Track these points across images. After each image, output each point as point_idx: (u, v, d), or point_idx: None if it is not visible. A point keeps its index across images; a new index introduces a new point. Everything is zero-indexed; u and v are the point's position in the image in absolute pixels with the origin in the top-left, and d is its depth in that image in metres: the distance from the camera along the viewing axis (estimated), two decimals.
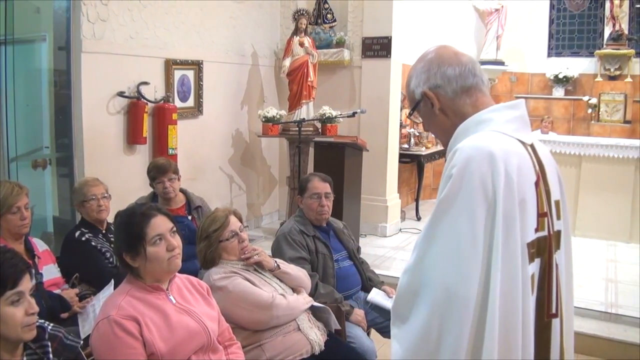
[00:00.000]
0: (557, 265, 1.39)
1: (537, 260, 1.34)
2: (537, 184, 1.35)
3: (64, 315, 2.57)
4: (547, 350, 1.36)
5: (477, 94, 1.41)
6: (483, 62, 8.34)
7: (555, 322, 1.37)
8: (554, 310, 1.37)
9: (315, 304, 2.59)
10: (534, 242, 1.32)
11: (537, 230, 1.33)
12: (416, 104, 1.45)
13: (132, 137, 4.44)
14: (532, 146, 1.40)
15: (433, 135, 7.01)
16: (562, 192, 1.47)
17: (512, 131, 1.37)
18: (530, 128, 1.44)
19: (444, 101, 1.41)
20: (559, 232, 1.42)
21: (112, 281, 2.60)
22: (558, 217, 1.43)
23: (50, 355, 1.61)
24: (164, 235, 1.90)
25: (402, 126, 6.55)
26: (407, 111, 6.89)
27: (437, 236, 1.28)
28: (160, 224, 1.91)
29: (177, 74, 4.91)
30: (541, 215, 1.34)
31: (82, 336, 2.35)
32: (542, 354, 1.35)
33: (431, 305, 1.26)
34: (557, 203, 1.43)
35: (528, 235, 1.30)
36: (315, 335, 2.46)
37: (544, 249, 1.35)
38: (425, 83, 1.42)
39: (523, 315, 1.28)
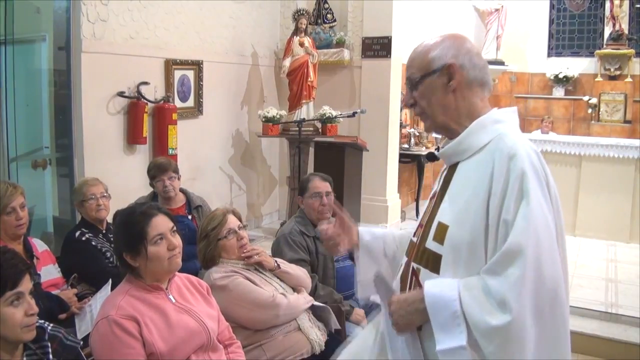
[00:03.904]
0: None
1: None
2: None
3: (62, 316, 2.56)
4: None
5: (486, 92, 1.46)
6: None
7: None
8: None
9: (316, 303, 2.59)
10: None
11: None
12: (431, 72, 1.42)
13: (132, 137, 4.43)
14: None
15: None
16: None
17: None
18: None
19: (462, 82, 1.41)
20: None
21: (110, 281, 2.59)
22: None
23: (50, 356, 1.61)
24: (164, 235, 1.89)
25: (402, 126, 6.55)
26: (407, 111, 6.89)
27: (539, 233, 1.26)
28: (161, 223, 1.91)
29: (177, 74, 4.91)
30: None
31: (79, 336, 2.34)
32: None
33: (559, 305, 1.28)
34: None
35: None
36: (316, 335, 2.46)
37: None
38: (454, 57, 1.41)
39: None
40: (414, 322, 1.38)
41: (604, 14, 8.21)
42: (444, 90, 1.41)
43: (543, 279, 1.23)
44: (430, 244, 1.42)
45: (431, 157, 6.22)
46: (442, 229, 1.40)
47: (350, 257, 3.13)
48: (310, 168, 5.34)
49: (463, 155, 1.41)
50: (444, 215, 1.42)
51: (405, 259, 1.54)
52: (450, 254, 1.37)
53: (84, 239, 2.93)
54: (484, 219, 1.31)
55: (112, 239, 2.93)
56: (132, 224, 1.89)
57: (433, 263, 1.41)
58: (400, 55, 5.91)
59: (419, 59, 1.45)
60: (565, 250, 1.35)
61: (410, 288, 1.46)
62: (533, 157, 1.32)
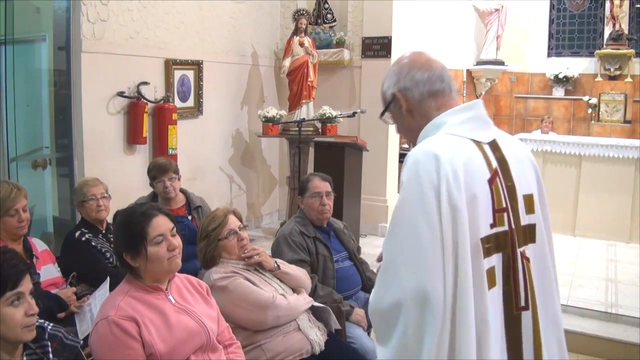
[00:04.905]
0: (526, 258, 1.40)
1: (498, 255, 1.36)
2: (491, 180, 1.37)
3: (61, 315, 2.56)
4: (519, 344, 1.37)
5: (442, 98, 1.48)
6: (483, 62, 8.34)
7: (526, 315, 1.38)
8: (523, 303, 1.38)
9: (316, 303, 2.59)
10: (490, 237, 1.34)
11: (493, 225, 1.35)
12: (387, 104, 1.54)
13: (132, 137, 4.44)
14: (492, 144, 1.43)
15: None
16: (539, 186, 1.50)
17: (465, 132, 1.41)
18: (489, 126, 1.48)
19: (411, 102, 1.49)
20: (531, 226, 1.44)
21: (108, 279, 2.59)
22: (530, 211, 1.44)
23: (50, 355, 1.61)
24: (165, 235, 1.90)
25: None
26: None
27: (402, 241, 1.31)
28: (162, 223, 1.91)
29: (177, 74, 4.91)
30: (498, 210, 1.36)
31: (80, 336, 2.34)
32: (514, 348, 1.36)
33: (406, 314, 1.28)
34: (527, 197, 1.45)
35: (481, 231, 1.33)
36: (316, 335, 2.46)
37: (505, 243, 1.37)
38: (395, 85, 1.51)
39: (481, 310, 1.30)
40: None
41: (604, 14, 8.21)
42: (402, 115, 1.52)
43: (402, 287, 1.28)
44: None
45: None
46: None
47: (350, 257, 3.14)
48: (310, 168, 5.34)
49: None
50: None
51: None
52: None
53: (83, 239, 2.93)
54: None
55: (112, 239, 2.93)
56: (133, 224, 1.89)
57: None
58: (400, 55, 5.90)
59: (380, 93, 1.58)
60: (463, 260, 1.29)
61: None
62: (423, 164, 1.33)
